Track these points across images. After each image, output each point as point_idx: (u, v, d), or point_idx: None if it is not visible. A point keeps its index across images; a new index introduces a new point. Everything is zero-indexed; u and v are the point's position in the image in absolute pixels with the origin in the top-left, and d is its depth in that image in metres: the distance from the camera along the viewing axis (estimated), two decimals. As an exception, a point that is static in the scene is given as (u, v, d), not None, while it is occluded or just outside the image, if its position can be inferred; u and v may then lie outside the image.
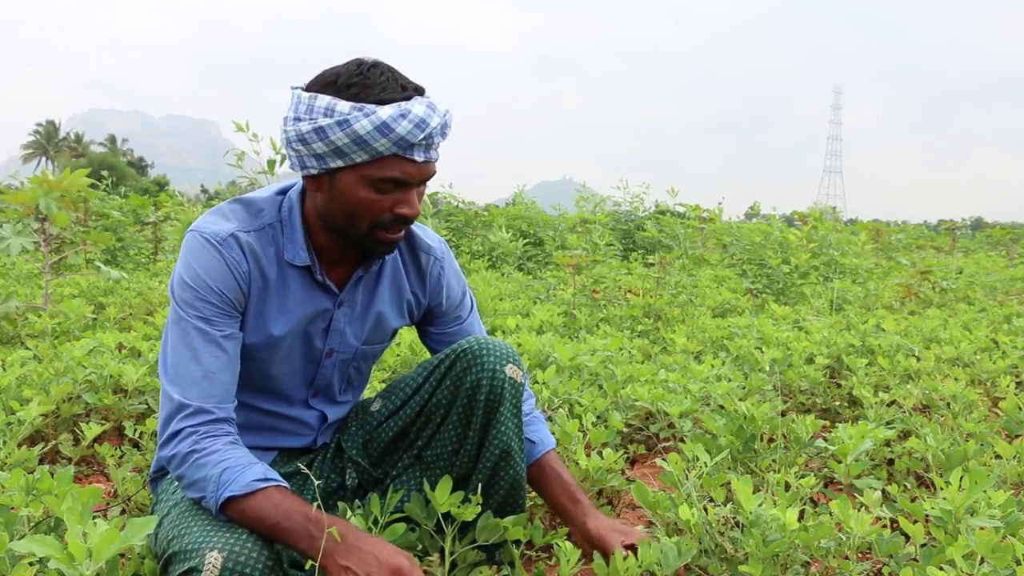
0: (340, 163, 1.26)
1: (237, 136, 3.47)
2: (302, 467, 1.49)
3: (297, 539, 1.18)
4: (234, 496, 1.19)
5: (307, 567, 1.24)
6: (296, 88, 1.31)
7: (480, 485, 1.47)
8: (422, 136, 1.25)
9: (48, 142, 74.99)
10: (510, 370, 1.46)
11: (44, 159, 72.64)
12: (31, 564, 1.08)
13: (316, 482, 1.28)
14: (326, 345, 1.48)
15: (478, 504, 1.42)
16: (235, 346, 1.34)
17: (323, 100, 1.24)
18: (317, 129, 1.24)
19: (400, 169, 1.27)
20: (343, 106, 1.23)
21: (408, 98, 1.26)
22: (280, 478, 1.25)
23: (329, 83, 1.26)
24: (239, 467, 1.23)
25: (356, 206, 1.30)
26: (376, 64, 1.27)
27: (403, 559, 1.16)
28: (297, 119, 1.27)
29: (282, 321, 1.40)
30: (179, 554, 1.17)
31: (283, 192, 1.43)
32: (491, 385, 1.44)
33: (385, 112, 1.22)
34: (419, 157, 1.28)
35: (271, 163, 3.60)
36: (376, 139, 1.23)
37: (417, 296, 1.57)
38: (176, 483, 1.35)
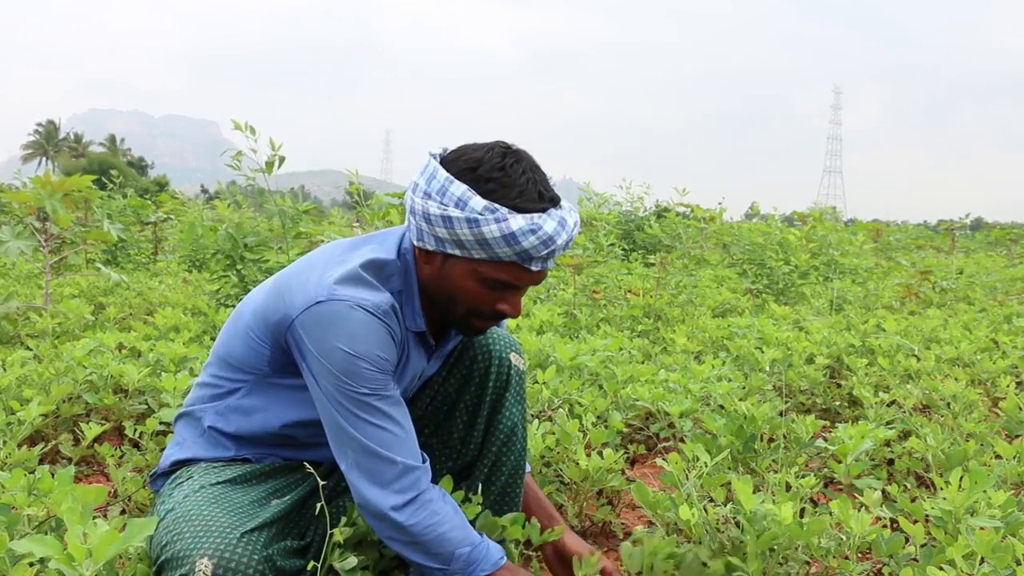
0: (457, 252, 1.27)
1: (237, 136, 3.47)
2: (308, 467, 1.48)
3: None
4: (485, 574, 1.32)
5: (309, 567, 1.24)
6: (434, 155, 1.29)
7: (485, 472, 1.51)
8: (545, 252, 1.26)
9: (48, 142, 75.00)
10: (514, 358, 1.53)
11: (44, 159, 72.64)
12: (31, 564, 1.08)
13: (322, 482, 1.28)
14: (407, 395, 1.49)
15: (478, 504, 1.42)
16: None
17: (458, 188, 1.23)
18: (445, 217, 1.23)
19: (514, 276, 1.28)
20: (476, 203, 1.21)
21: (543, 209, 1.25)
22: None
23: (469, 168, 1.25)
24: (483, 544, 1.34)
25: (461, 293, 1.31)
26: (520, 159, 1.26)
27: None
28: (427, 195, 1.26)
29: (400, 383, 1.41)
30: (171, 561, 1.16)
31: (399, 243, 1.40)
32: (499, 371, 1.50)
33: (516, 223, 1.21)
34: (535, 267, 1.28)
35: (269, 163, 3.59)
36: (500, 246, 1.23)
37: None
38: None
